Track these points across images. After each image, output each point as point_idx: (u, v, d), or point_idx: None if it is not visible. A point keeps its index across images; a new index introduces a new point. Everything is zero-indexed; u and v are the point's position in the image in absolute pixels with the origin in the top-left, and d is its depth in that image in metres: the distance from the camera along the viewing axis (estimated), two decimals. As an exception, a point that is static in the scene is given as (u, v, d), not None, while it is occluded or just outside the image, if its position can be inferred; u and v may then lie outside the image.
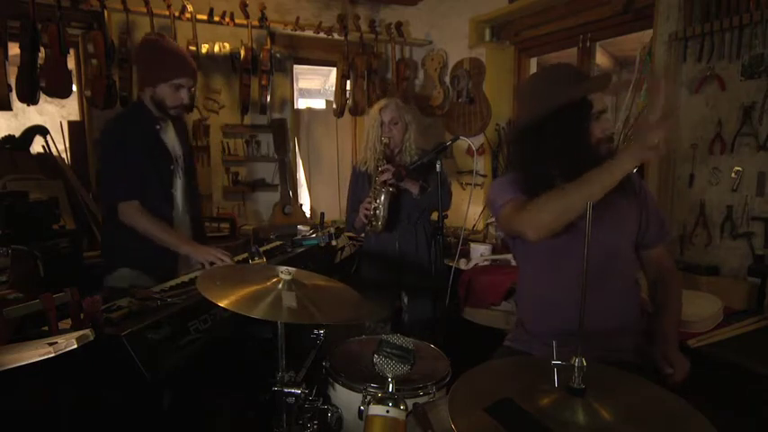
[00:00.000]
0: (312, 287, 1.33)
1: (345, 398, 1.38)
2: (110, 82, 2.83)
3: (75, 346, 1.05)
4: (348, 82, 3.63)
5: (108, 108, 2.88)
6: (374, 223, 2.37)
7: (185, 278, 1.84)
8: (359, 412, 1.20)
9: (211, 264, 1.93)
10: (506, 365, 1.10)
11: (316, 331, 1.57)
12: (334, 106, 3.71)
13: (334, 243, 2.85)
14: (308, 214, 3.86)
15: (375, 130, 2.40)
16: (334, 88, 3.77)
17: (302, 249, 2.45)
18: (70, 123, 3.28)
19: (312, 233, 2.69)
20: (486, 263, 2.76)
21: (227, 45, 3.34)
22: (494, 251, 2.85)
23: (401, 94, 3.63)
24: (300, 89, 5.15)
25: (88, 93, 2.87)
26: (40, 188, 2.61)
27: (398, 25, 3.74)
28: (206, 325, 1.55)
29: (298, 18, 3.46)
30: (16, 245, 1.89)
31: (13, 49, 2.60)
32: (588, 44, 2.96)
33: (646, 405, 0.86)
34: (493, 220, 3.20)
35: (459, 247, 2.51)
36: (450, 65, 3.68)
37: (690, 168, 2.30)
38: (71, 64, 2.84)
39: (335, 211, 3.87)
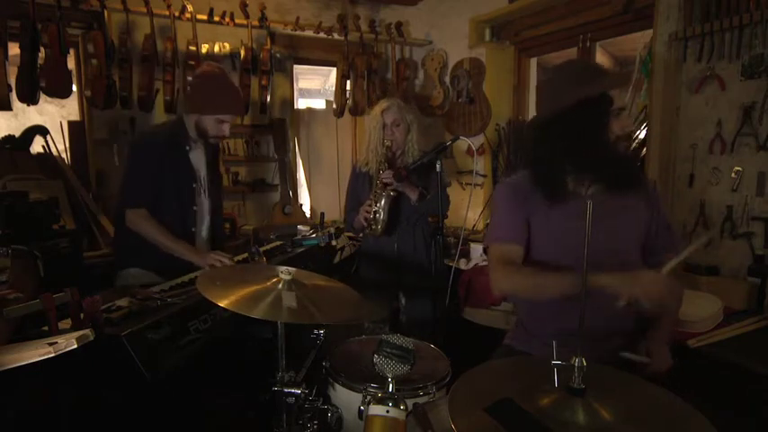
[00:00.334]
0: (312, 287, 1.33)
1: (345, 398, 1.37)
2: (110, 82, 2.83)
3: (75, 346, 1.06)
4: (348, 82, 3.62)
5: (108, 108, 2.88)
6: (374, 227, 2.36)
7: (185, 278, 1.84)
8: (359, 412, 1.20)
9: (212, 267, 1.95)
10: (506, 365, 1.10)
11: (316, 331, 1.57)
12: (334, 106, 3.70)
13: (334, 243, 2.85)
14: (308, 214, 3.86)
15: (377, 133, 2.38)
16: (334, 88, 3.77)
17: (302, 249, 2.45)
18: (70, 123, 3.27)
19: (312, 233, 2.70)
20: (486, 263, 2.76)
21: (227, 45, 3.34)
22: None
23: (401, 94, 3.62)
24: (300, 89, 5.14)
25: (88, 93, 2.87)
26: (40, 188, 2.61)
27: (398, 25, 3.74)
28: (206, 325, 1.55)
29: (298, 18, 3.46)
30: (16, 245, 1.89)
31: (13, 49, 2.59)
32: (588, 44, 2.96)
33: (646, 405, 0.86)
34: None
35: (459, 247, 2.51)
36: (450, 65, 3.68)
37: (690, 168, 2.30)
38: (71, 64, 2.83)
39: (335, 211, 3.87)
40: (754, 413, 1.55)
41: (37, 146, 3.05)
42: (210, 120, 2.07)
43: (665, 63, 2.33)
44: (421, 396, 1.34)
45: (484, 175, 3.54)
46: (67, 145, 3.19)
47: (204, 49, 3.23)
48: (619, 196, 1.38)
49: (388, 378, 1.07)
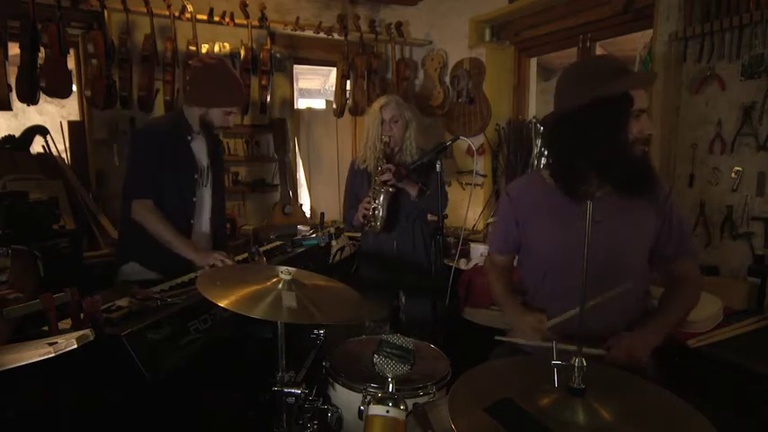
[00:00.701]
0: (312, 287, 1.33)
1: (345, 398, 1.37)
2: (110, 82, 2.83)
3: (75, 346, 1.06)
4: (348, 82, 3.62)
5: (108, 108, 2.88)
6: (373, 224, 2.36)
7: (185, 278, 1.84)
8: (359, 412, 1.20)
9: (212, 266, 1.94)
10: (506, 365, 1.10)
11: (316, 331, 1.57)
12: (334, 106, 3.70)
13: (334, 243, 2.85)
14: (308, 214, 3.85)
15: (375, 129, 2.38)
16: (334, 88, 3.77)
17: (302, 249, 2.45)
18: (70, 123, 3.27)
19: (312, 233, 2.70)
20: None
21: (227, 45, 3.34)
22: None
23: (401, 94, 3.61)
24: (300, 89, 5.15)
25: (88, 93, 2.87)
26: (40, 188, 2.61)
27: (398, 25, 3.74)
28: (206, 325, 1.55)
29: (298, 18, 3.46)
30: (16, 245, 1.89)
31: (13, 49, 2.59)
32: (588, 44, 2.96)
33: (646, 405, 0.87)
34: (492, 220, 3.20)
35: (459, 247, 2.51)
36: (450, 65, 3.68)
37: (690, 168, 2.30)
38: (71, 64, 2.83)
39: (335, 211, 3.87)
40: (754, 413, 1.55)
41: (37, 146, 3.05)
42: (218, 112, 2.10)
43: (665, 63, 2.33)
44: (421, 396, 1.34)
45: (484, 175, 3.54)
46: (67, 145, 3.19)
47: (204, 49, 3.23)
48: (626, 199, 1.36)
49: (388, 378, 1.07)
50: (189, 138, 2.12)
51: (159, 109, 3.05)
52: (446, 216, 2.22)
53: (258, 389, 1.38)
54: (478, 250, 2.86)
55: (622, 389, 0.91)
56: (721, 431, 0.78)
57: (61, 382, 1.22)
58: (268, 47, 3.34)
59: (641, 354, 1.30)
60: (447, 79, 3.70)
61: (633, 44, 3.31)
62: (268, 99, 3.39)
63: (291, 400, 1.28)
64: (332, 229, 2.84)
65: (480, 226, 3.39)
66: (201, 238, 2.19)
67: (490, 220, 3.23)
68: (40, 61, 2.62)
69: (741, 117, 2.10)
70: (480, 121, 3.48)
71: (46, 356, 1.00)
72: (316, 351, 1.53)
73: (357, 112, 3.67)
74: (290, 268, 1.33)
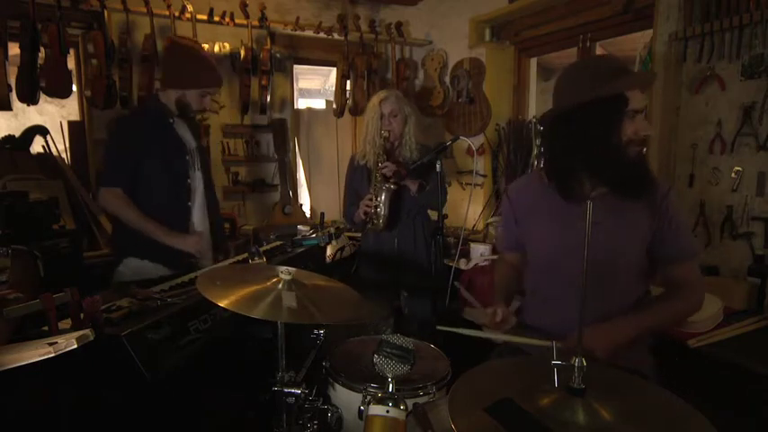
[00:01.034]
0: (312, 287, 1.33)
1: (345, 398, 1.37)
2: (110, 82, 2.83)
3: (75, 346, 1.05)
4: (348, 82, 3.62)
5: (108, 108, 2.88)
6: (375, 221, 2.36)
7: (185, 278, 1.84)
8: (359, 412, 1.20)
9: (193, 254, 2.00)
10: (506, 365, 1.10)
11: (316, 331, 1.57)
12: (334, 106, 3.71)
13: (334, 243, 2.85)
14: (308, 214, 3.86)
15: (375, 123, 2.38)
16: (334, 88, 3.77)
17: (302, 249, 2.45)
18: (70, 123, 3.27)
19: (312, 233, 2.69)
20: (486, 263, 2.76)
21: (227, 45, 3.34)
22: (494, 251, 2.85)
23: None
24: (300, 89, 5.14)
25: (88, 93, 2.87)
26: (40, 188, 2.61)
27: (398, 25, 3.74)
28: (206, 325, 1.55)
29: (298, 18, 3.46)
30: (16, 245, 1.89)
31: (13, 49, 2.59)
32: (588, 44, 2.96)
33: (646, 405, 0.86)
34: (492, 220, 3.20)
35: (459, 247, 2.51)
36: (450, 65, 3.68)
37: (690, 168, 2.30)
38: (71, 64, 2.83)
39: (335, 211, 3.87)
40: (754, 413, 1.55)
41: (37, 146, 3.05)
42: (194, 94, 2.10)
43: (664, 63, 2.33)
44: (421, 396, 1.34)
45: (484, 175, 3.54)
46: (67, 145, 3.20)
47: (204, 48, 3.23)
48: (621, 200, 1.36)
49: (388, 378, 1.07)
50: (171, 121, 2.12)
51: (159, 109, 3.05)
52: (446, 216, 2.22)
53: (258, 389, 1.38)
54: (478, 250, 2.86)
55: (622, 389, 0.91)
56: (721, 431, 0.78)
57: (61, 382, 1.22)
58: (268, 47, 3.34)
59: (599, 345, 1.25)
60: (447, 79, 3.70)
61: (633, 44, 3.31)
62: (268, 99, 3.39)
63: (291, 400, 1.28)
64: (332, 229, 2.84)
65: (480, 226, 3.39)
66: (200, 219, 2.19)
67: (490, 220, 3.23)
68: (40, 61, 2.62)
69: (741, 117, 2.10)
70: (480, 121, 3.48)
71: (46, 356, 1.00)
72: (316, 351, 1.53)
73: (357, 112, 3.67)
74: (290, 268, 1.33)
